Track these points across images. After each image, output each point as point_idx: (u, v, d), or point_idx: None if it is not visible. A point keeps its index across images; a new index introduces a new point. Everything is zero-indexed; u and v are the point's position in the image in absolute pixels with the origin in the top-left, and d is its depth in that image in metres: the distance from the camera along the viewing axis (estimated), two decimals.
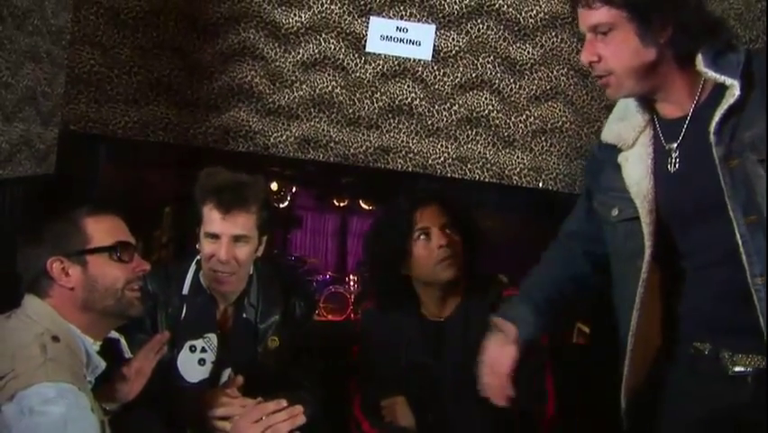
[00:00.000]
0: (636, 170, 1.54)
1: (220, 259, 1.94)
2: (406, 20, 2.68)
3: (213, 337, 2.02)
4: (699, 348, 1.53)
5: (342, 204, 7.01)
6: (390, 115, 2.73)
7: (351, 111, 2.71)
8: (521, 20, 2.67)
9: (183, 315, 2.03)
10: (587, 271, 1.82)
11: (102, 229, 1.57)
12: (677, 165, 1.51)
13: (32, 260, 1.53)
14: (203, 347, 2.00)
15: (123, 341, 1.82)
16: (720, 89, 1.41)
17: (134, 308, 1.61)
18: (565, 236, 1.89)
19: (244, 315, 2.06)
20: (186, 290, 2.06)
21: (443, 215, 2.17)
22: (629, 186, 1.55)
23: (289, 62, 2.69)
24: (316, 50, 2.69)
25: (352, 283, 6.25)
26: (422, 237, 2.15)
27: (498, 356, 1.77)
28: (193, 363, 1.99)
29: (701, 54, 1.42)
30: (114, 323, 1.65)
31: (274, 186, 5.85)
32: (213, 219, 1.95)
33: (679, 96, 1.49)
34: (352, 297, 5.79)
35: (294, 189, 6.52)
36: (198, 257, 2.06)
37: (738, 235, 1.39)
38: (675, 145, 1.50)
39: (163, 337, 1.80)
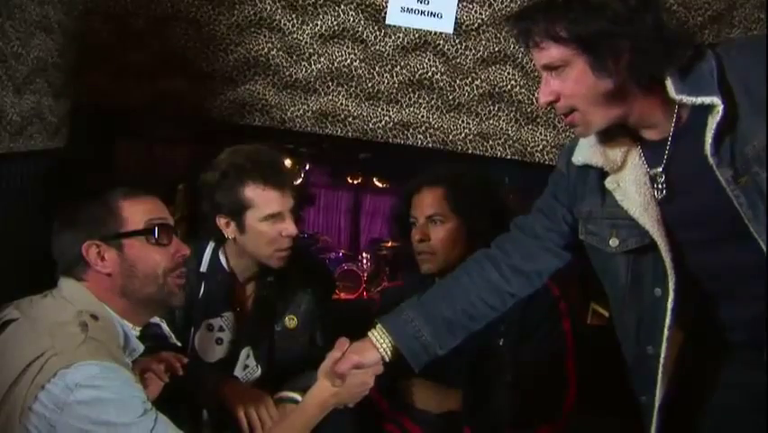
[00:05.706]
0: (638, 195, 1.45)
1: (291, 234, 1.91)
2: None
3: (230, 316, 1.99)
4: (736, 342, 1.47)
5: (355, 181, 6.97)
6: (410, 90, 2.66)
7: (370, 85, 2.65)
8: None
9: (201, 293, 1.99)
10: (504, 292, 1.72)
11: (138, 211, 1.52)
12: (664, 192, 1.43)
13: (68, 244, 1.48)
14: (220, 326, 1.97)
15: (164, 326, 1.81)
16: (701, 106, 1.33)
17: (176, 296, 1.57)
18: (497, 248, 1.76)
19: (263, 293, 2.02)
20: (204, 268, 2.01)
21: (436, 203, 2.09)
22: (633, 212, 1.44)
23: (307, 34, 2.63)
24: (335, 22, 2.62)
25: (364, 261, 6.24)
26: (414, 225, 2.12)
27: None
28: (210, 343, 1.96)
29: (670, 79, 1.33)
30: (154, 311, 1.62)
31: (288, 163, 5.82)
32: (270, 199, 1.90)
33: (655, 120, 1.41)
34: (365, 275, 5.79)
35: (307, 166, 6.49)
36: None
37: None
38: (660, 170, 1.43)
39: (181, 361, 1.73)
